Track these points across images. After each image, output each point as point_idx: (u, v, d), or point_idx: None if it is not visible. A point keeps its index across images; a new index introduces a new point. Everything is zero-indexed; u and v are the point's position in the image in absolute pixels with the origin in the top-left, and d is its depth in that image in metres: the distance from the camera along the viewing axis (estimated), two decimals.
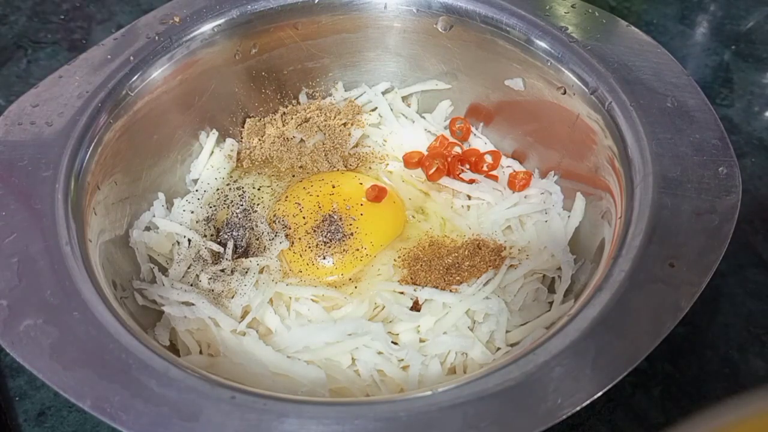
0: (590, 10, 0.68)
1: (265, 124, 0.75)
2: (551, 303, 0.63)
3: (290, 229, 0.66)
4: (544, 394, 0.44)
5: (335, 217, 0.66)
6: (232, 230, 0.66)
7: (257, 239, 0.66)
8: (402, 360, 0.58)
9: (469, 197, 0.71)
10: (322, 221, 0.66)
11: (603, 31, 0.66)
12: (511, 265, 0.64)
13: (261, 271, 0.64)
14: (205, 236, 0.66)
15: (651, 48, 0.65)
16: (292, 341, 0.58)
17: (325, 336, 0.58)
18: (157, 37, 0.66)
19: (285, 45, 0.73)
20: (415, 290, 0.62)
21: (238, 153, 0.74)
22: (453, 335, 0.59)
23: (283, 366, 0.56)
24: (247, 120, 0.75)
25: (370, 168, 0.74)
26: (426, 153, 0.74)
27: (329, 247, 0.65)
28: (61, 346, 0.46)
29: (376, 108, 0.77)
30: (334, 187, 0.69)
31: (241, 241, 0.66)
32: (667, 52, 0.64)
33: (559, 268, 0.64)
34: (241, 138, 0.75)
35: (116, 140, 0.62)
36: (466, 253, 0.64)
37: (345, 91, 0.78)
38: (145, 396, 0.44)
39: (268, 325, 0.60)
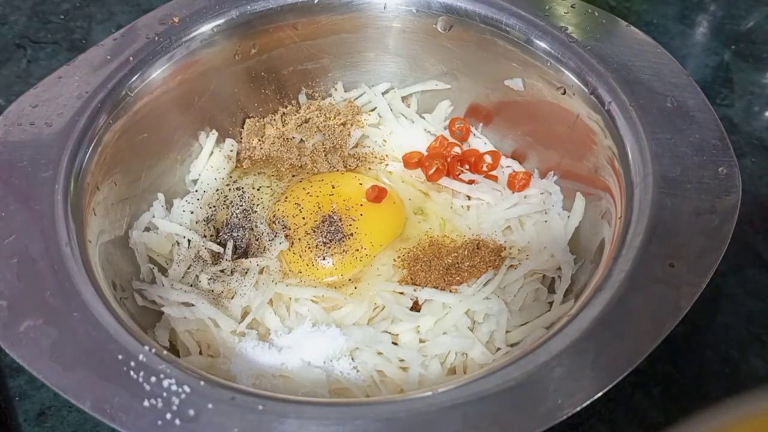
0: (590, 10, 0.68)
1: (264, 124, 0.75)
2: (551, 303, 0.63)
3: (290, 229, 0.66)
4: (544, 395, 0.44)
5: (335, 217, 0.66)
6: (232, 231, 0.66)
7: (257, 240, 0.66)
8: (402, 360, 0.58)
9: (469, 197, 0.71)
10: (322, 222, 0.66)
11: (603, 31, 0.66)
12: (511, 266, 0.64)
13: (261, 272, 0.64)
14: (205, 237, 0.66)
15: (651, 48, 0.65)
16: (292, 342, 0.58)
17: (325, 340, 0.58)
18: (156, 38, 0.66)
19: (284, 45, 0.73)
20: (415, 290, 0.62)
21: (238, 153, 0.74)
22: (453, 335, 0.59)
23: (283, 366, 0.56)
24: (247, 120, 0.75)
25: (369, 168, 0.74)
26: (426, 153, 0.74)
27: (329, 247, 0.65)
28: (61, 347, 0.46)
29: (376, 108, 0.77)
30: (333, 187, 0.69)
31: (241, 241, 0.66)
32: (667, 52, 0.64)
33: (559, 268, 0.64)
34: (241, 138, 0.74)
35: (116, 141, 0.62)
36: (466, 253, 0.64)
37: (345, 91, 0.78)
38: (144, 396, 0.44)
39: (268, 325, 0.60)
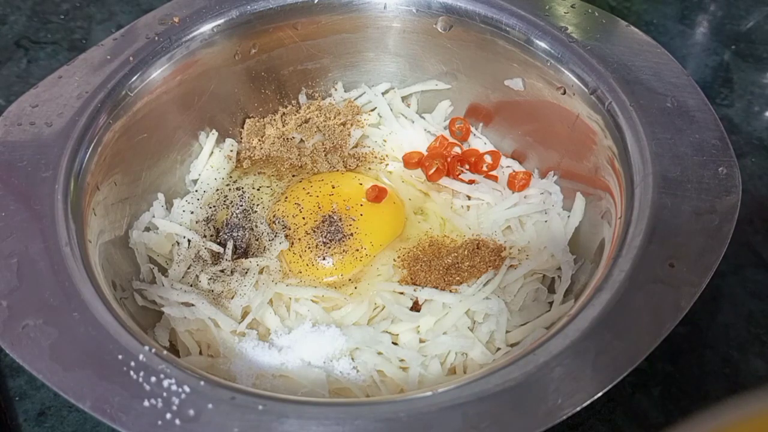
0: (590, 10, 0.68)
1: (264, 124, 0.75)
2: (551, 303, 0.63)
3: (290, 229, 0.66)
4: (545, 395, 0.44)
5: (335, 217, 0.66)
6: (232, 231, 0.66)
7: (257, 240, 0.66)
8: (402, 360, 0.58)
9: (469, 197, 0.71)
10: (322, 222, 0.66)
11: (603, 31, 0.66)
12: (511, 266, 0.64)
13: (261, 272, 0.64)
14: (205, 236, 0.66)
15: (651, 48, 0.65)
16: (292, 342, 0.58)
17: (325, 340, 0.58)
18: (156, 38, 0.66)
19: (284, 45, 0.73)
20: (415, 290, 0.62)
21: (238, 153, 0.74)
22: (453, 335, 0.59)
23: (283, 366, 0.56)
24: (247, 120, 0.75)
25: (369, 168, 0.74)
26: (426, 153, 0.74)
27: (329, 247, 0.65)
28: (61, 347, 0.46)
29: (376, 108, 0.77)
30: (333, 187, 0.69)
31: (241, 241, 0.66)
32: (667, 52, 0.64)
33: (559, 268, 0.64)
34: (241, 138, 0.74)
35: (116, 141, 0.62)
36: (466, 253, 0.64)
37: (345, 91, 0.78)
38: (144, 396, 0.44)
39: (268, 325, 0.60)
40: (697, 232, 0.52)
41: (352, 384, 0.56)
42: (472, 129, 0.76)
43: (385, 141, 0.76)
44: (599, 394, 0.44)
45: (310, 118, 0.74)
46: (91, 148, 0.59)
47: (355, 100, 0.77)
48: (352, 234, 0.65)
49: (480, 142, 0.76)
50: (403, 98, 0.78)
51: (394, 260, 0.65)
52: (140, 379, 0.45)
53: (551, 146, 0.71)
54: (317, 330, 0.58)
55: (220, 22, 0.68)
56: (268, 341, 0.59)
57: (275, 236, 0.65)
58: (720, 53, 0.91)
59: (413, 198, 0.72)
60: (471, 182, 0.72)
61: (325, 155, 0.73)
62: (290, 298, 0.62)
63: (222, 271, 0.64)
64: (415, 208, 0.71)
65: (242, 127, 0.75)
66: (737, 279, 0.69)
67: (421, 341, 0.60)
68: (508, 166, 0.74)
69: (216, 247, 0.65)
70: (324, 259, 0.64)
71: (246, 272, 0.63)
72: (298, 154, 0.73)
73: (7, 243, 0.51)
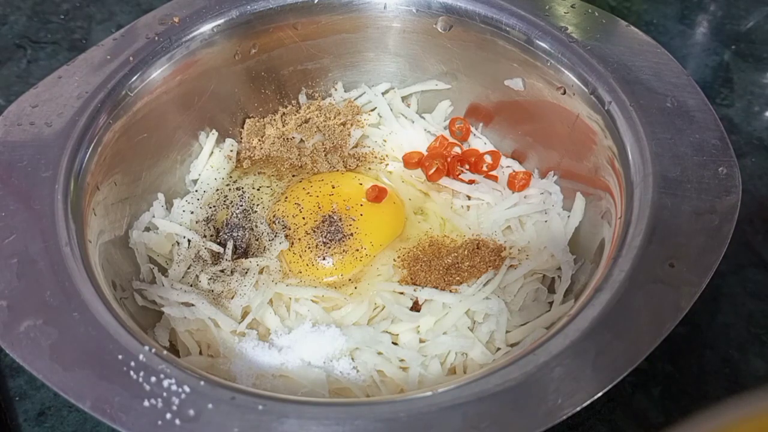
0: (590, 10, 0.68)
1: (264, 124, 0.75)
2: (551, 303, 0.63)
3: (290, 229, 0.66)
4: (544, 395, 0.44)
5: (335, 217, 0.66)
6: (232, 231, 0.66)
7: (257, 240, 0.66)
8: (402, 360, 0.58)
9: (469, 197, 0.71)
10: (322, 222, 0.66)
11: (603, 31, 0.66)
12: (511, 266, 0.64)
13: (261, 272, 0.64)
14: (205, 236, 0.66)
15: (651, 48, 0.65)
16: (292, 342, 0.58)
17: (325, 340, 0.58)
18: (156, 38, 0.66)
19: (284, 45, 0.73)
20: (415, 290, 0.62)
21: (238, 153, 0.74)
22: (453, 335, 0.59)
23: (283, 366, 0.56)
24: (247, 120, 0.75)
25: (369, 168, 0.74)
26: (426, 153, 0.74)
27: (329, 247, 0.65)
28: (61, 347, 0.46)
29: (376, 108, 0.77)
30: (333, 187, 0.69)
31: (241, 241, 0.66)
32: (667, 52, 0.64)
33: (559, 268, 0.64)
34: (241, 138, 0.74)
35: (116, 141, 0.62)
36: (466, 253, 0.64)
37: (345, 91, 0.78)
38: (144, 396, 0.44)
39: (268, 325, 0.60)
40: (697, 232, 0.52)
41: (352, 384, 0.56)
42: (472, 129, 0.76)
43: (385, 141, 0.76)
44: (599, 394, 0.44)
45: (310, 118, 0.74)
46: (91, 148, 0.59)
47: (355, 100, 0.77)
48: (352, 234, 0.65)
49: (480, 142, 0.76)
50: (403, 98, 0.78)
51: (394, 260, 0.65)
52: (140, 379, 0.45)
53: (551, 146, 0.71)
54: (317, 330, 0.58)
55: (220, 22, 0.68)
56: (268, 341, 0.59)
57: (275, 236, 0.65)
58: (720, 53, 0.91)
59: (413, 198, 0.72)
60: (471, 182, 0.72)
61: (325, 155, 0.73)
62: (290, 298, 0.62)
63: (222, 271, 0.64)
64: (415, 208, 0.71)
65: (242, 127, 0.75)
66: (737, 279, 0.69)
67: (421, 341, 0.60)
68: (508, 166, 0.74)
69: (216, 247, 0.65)
70: (324, 259, 0.64)
71: (246, 272, 0.63)
72: (298, 154, 0.73)
73: (7, 243, 0.51)
